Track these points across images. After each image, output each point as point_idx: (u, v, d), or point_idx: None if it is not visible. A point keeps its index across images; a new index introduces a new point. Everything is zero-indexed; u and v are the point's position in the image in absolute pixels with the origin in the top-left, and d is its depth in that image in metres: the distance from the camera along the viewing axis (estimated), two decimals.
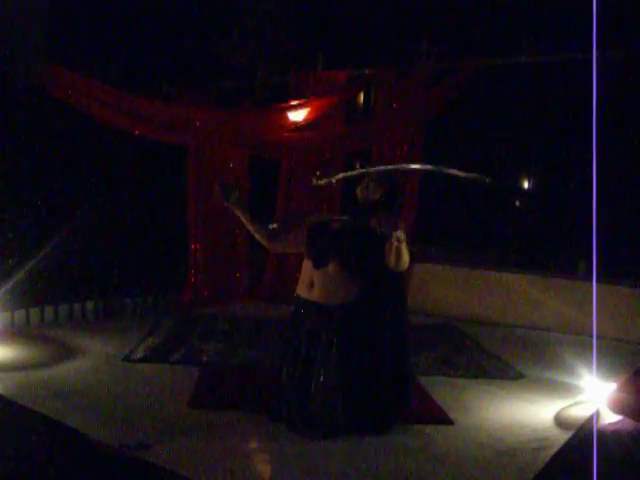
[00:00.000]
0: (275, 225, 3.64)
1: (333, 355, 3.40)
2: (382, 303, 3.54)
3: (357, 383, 3.42)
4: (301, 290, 3.55)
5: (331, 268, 3.45)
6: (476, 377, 4.62)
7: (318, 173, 3.70)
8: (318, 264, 3.47)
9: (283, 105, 6.60)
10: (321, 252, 3.48)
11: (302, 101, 6.62)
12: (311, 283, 3.49)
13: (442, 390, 4.26)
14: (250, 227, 3.65)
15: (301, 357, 3.48)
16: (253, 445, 3.36)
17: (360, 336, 3.45)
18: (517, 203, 7.77)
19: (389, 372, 3.51)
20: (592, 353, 4.31)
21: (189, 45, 7.21)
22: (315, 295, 3.48)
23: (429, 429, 3.57)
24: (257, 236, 3.67)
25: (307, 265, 3.55)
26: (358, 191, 3.62)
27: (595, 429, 3.18)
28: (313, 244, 3.54)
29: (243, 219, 3.61)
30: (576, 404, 3.97)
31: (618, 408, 3.67)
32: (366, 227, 3.31)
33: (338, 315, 3.42)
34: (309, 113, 6.55)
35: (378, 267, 3.41)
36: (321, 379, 3.38)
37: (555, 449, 3.23)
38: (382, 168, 3.86)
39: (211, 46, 7.41)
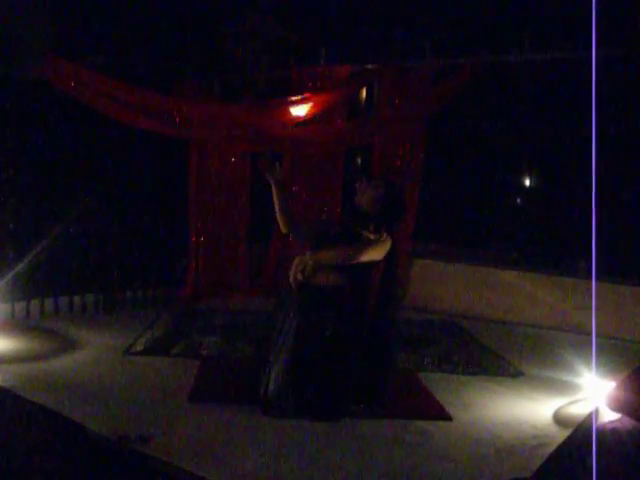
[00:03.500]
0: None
1: (291, 336, 3.62)
2: (361, 297, 3.76)
3: (310, 367, 3.58)
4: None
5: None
6: (475, 374, 4.63)
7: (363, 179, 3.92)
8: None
9: (285, 100, 6.58)
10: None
11: (304, 96, 6.61)
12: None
13: (441, 386, 4.27)
14: (278, 204, 3.96)
15: (277, 339, 3.74)
16: (253, 438, 3.36)
17: (323, 322, 3.62)
18: (518, 200, 7.77)
19: (355, 362, 3.67)
20: (592, 351, 4.30)
21: (192, 38, 7.20)
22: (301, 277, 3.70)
23: (427, 425, 3.58)
24: (280, 214, 3.98)
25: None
26: (357, 197, 3.84)
27: (594, 427, 3.19)
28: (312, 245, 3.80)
29: (276, 195, 3.94)
30: (575, 402, 3.98)
31: (617, 406, 3.67)
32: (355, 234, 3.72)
33: (318, 292, 3.65)
34: (311, 108, 6.53)
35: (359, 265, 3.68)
36: (281, 357, 3.61)
37: (554, 446, 3.23)
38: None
39: (214, 40, 7.39)
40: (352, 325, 3.69)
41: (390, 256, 3.77)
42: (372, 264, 3.73)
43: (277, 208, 4.00)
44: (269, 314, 4.07)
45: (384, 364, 3.84)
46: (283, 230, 4.07)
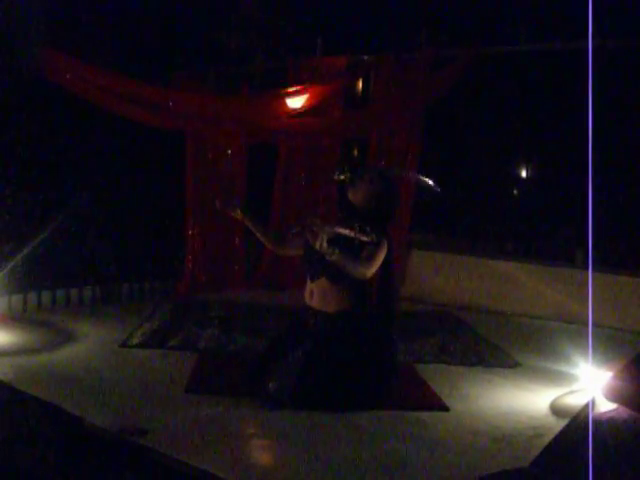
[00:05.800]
0: (295, 230, 3.72)
1: (309, 343, 3.61)
2: (370, 317, 3.75)
3: (320, 371, 3.55)
4: (305, 298, 3.78)
5: (323, 281, 3.64)
6: (473, 365, 4.63)
7: (344, 168, 3.78)
8: (312, 277, 3.71)
9: (281, 91, 6.56)
10: (314, 266, 3.67)
11: (300, 87, 6.59)
12: (311, 292, 3.72)
13: (438, 377, 4.28)
14: (257, 233, 3.88)
15: (286, 337, 3.81)
16: (250, 430, 3.37)
17: (346, 342, 3.63)
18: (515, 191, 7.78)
19: (363, 368, 3.66)
20: (588, 342, 4.31)
21: (187, 30, 7.17)
22: (314, 303, 3.71)
23: (425, 416, 3.58)
24: (263, 240, 3.91)
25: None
26: (350, 194, 3.70)
27: (591, 417, 3.19)
28: (308, 258, 3.72)
29: (251, 226, 3.84)
30: (572, 392, 3.99)
31: (614, 396, 3.67)
32: (351, 238, 3.40)
33: (333, 320, 3.64)
34: (307, 99, 6.52)
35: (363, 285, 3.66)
36: (289, 357, 3.60)
37: (550, 437, 3.23)
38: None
39: (209, 31, 7.37)
40: (365, 345, 3.67)
41: (386, 258, 3.60)
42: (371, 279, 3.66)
43: (258, 235, 3.91)
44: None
45: (391, 367, 3.82)
46: (275, 251, 4.04)
